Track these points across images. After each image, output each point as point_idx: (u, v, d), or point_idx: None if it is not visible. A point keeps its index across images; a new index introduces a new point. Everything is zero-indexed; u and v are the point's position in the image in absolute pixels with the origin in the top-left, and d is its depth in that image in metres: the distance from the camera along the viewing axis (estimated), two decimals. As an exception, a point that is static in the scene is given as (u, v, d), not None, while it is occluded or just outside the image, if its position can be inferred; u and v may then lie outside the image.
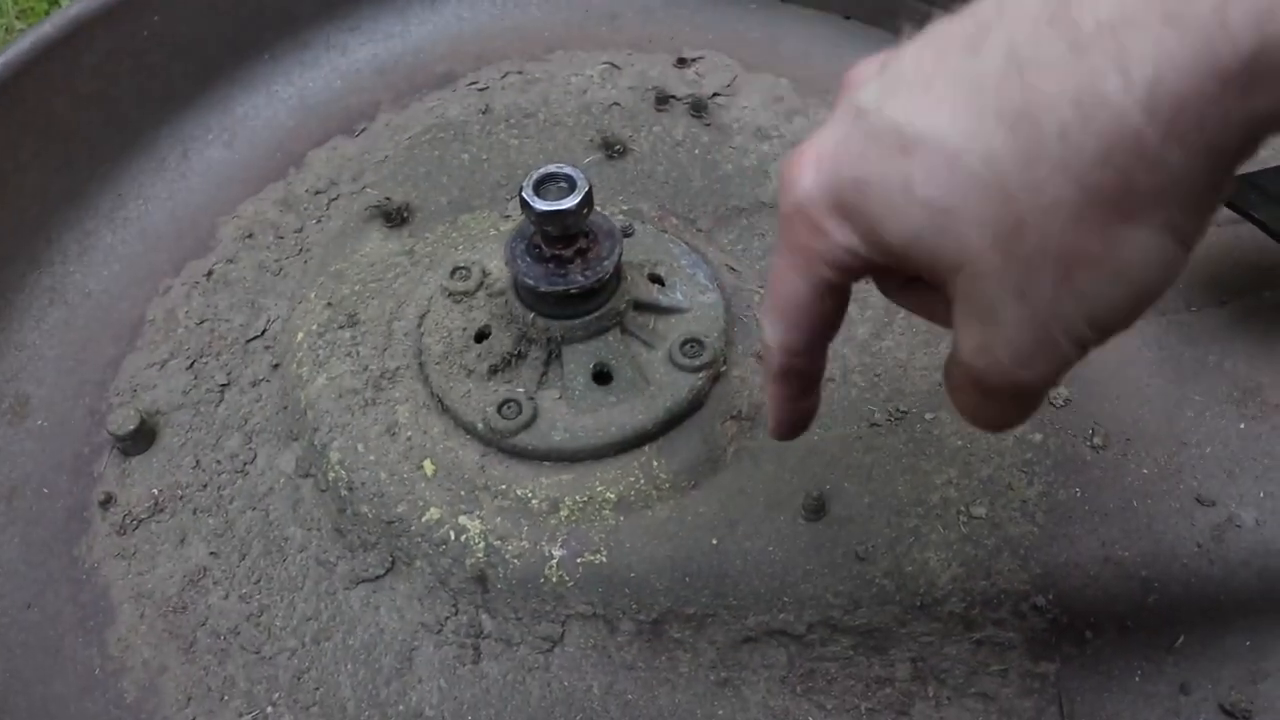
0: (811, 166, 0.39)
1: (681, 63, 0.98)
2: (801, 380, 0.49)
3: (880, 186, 0.36)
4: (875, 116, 0.36)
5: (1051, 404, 0.74)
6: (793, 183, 0.40)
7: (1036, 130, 0.31)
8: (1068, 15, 0.31)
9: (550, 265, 0.66)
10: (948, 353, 0.41)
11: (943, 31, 0.36)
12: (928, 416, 0.73)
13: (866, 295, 0.79)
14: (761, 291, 0.78)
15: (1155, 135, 0.30)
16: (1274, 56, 0.27)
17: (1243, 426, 0.73)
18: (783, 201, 0.41)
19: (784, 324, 0.45)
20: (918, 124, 0.34)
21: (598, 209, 0.67)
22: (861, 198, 0.37)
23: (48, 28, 0.85)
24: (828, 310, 0.44)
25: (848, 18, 1.02)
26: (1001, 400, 0.40)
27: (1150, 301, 0.35)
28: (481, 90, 0.98)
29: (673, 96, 0.94)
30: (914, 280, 0.44)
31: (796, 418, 0.52)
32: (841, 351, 0.76)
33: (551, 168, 0.64)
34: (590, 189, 0.63)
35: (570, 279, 0.66)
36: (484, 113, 0.96)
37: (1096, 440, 0.72)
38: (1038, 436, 0.72)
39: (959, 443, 0.71)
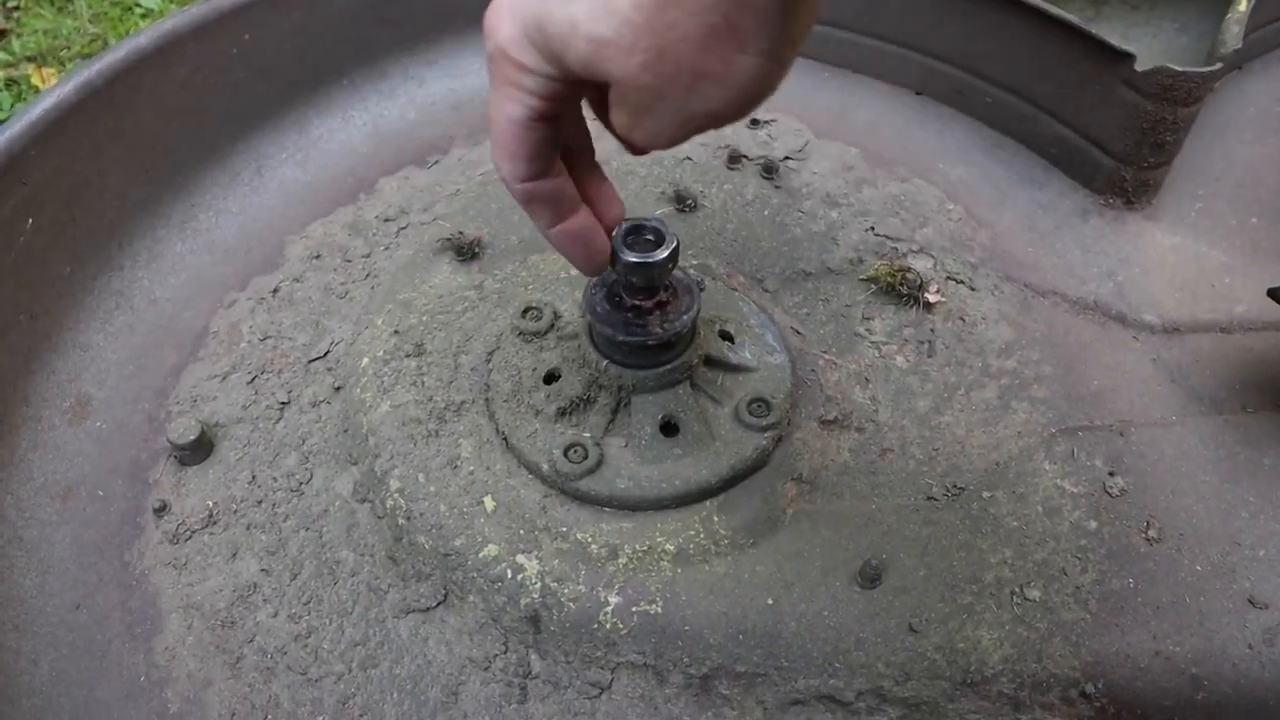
0: (507, 14, 0.49)
1: (754, 124, 0.99)
2: (551, 204, 0.59)
3: (556, 26, 0.47)
4: None
5: (1108, 493, 0.74)
6: (495, 29, 0.50)
7: None
8: None
9: (629, 315, 0.67)
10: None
11: None
12: (985, 495, 0.73)
13: (927, 369, 0.80)
14: (826, 356, 0.79)
15: None
16: None
17: (1297, 531, 0.73)
18: (489, 47, 0.51)
19: (509, 157, 0.54)
20: None
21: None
22: (544, 34, 0.48)
23: (143, 40, 0.87)
24: (543, 137, 0.54)
25: (919, 93, 1.03)
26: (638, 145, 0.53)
27: (756, 104, 0.48)
28: (556, 134, 0.99)
29: (745, 156, 0.95)
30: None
31: (578, 244, 0.61)
32: (901, 423, 0.77)
33: (640, 220, 0.64)
34: (678, 244, 0.64)
35: (648, 330, 0.66)
36: (557, 156, 0.97)
37: (1151, 533, 0.73)
38: (1093, 524, 0.72)
39: (1015, 524, 0.72)
